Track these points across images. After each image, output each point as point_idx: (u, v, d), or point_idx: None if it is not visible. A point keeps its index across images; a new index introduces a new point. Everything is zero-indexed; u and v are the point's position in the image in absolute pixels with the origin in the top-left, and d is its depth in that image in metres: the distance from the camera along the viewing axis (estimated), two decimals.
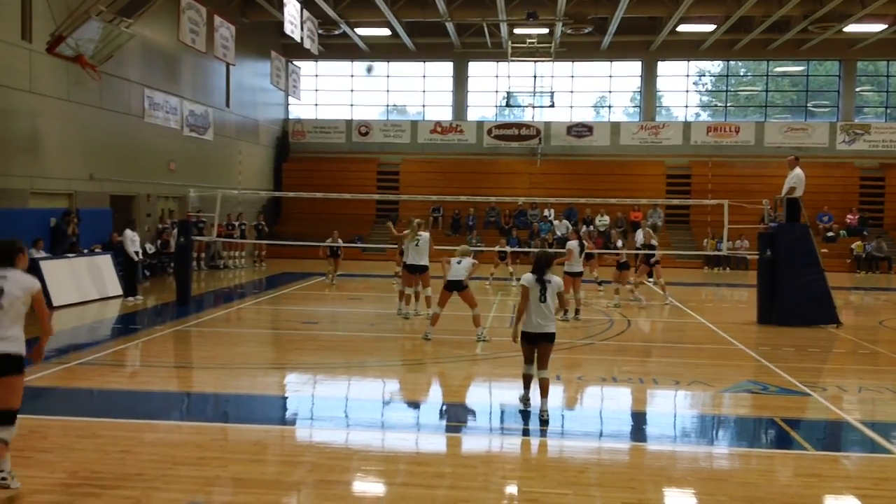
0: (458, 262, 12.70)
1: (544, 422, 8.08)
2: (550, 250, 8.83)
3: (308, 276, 23.63)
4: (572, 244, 15.61)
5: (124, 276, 17.62)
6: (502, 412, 9.06)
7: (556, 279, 8.35)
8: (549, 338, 8.32)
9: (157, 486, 6.07)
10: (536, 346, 8.33)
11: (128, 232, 17.27)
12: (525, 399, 8.63)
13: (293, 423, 8.61)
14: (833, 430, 8.46)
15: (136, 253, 17.33)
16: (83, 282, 17.05)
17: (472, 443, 7.74)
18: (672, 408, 9.49)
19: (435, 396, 9.83)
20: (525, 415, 8.51)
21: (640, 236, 23.39)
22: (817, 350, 13.02)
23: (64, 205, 19.26)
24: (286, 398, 9.61)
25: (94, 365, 10.79)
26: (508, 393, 9.95)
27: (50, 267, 16.26)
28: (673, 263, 27.85)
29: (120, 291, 17.86)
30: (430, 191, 29.56)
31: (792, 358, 11.96)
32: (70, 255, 17.56)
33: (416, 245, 14.69)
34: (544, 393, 8.26)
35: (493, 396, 9.82)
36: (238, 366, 10.84)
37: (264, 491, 6.03)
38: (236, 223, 26.97)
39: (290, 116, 35.82)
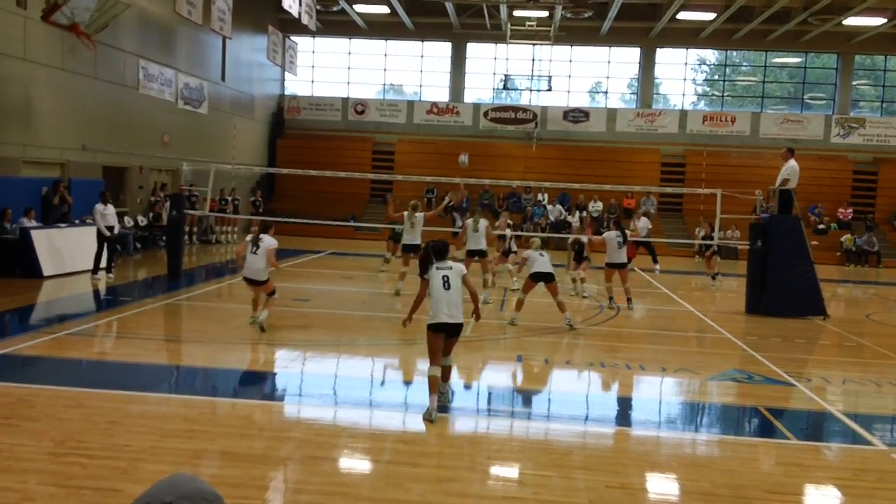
0: (542, 255, 12.70)
1: (444, 404, 7.85)
2: (443, 239, 8.33)
3: (300, 253, 23.62)
4: (609, 234, 15.54)
5: (96, 252, 16.24)
6: (489, 394, 9.13)
7: (457, 266, 7.93)
8: (454, 329, 7.78)
9: (144, 457, 6.10)
10: (442, 337, 7.78)
11: (98, 206, 16.22)
12: (431, 412, 7.52)
13: (282, 399, 8.66)
14: (816, 420, 8.55)
15: (111, 228, 16.28)
16: (74, 252, 16.96)
17: (458, 423, 7.79)
18: (658, 394, 9.57)
19: (422, 376, 9.86)
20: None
21: (644, 223, 23.31)
22: (804, 341, 13.12)
23: (56, 174, 19.16)
24: (275, 374, 9.65)
25: (83, 335, 10.80)
26: (496, 375, 10.02)
27: (40, 236, 16.19)
28: (664, 251, 27.92)
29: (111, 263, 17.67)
30: (425, 172, 29.48)
31: (778, 348, 12.05)
32: (61, 224, 17.49)
33: (476, 231, 15.33)
34: (446, 378, 8.01)
35: (481, 378, 9.87)
36: (228, 341, 10.86)
37: (251, 465, 6.07)
38: (229, 198, 26.91)
39: (286, 92, 35.64)
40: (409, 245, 15.74)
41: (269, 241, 11.40)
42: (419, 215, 15.56)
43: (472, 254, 15.40)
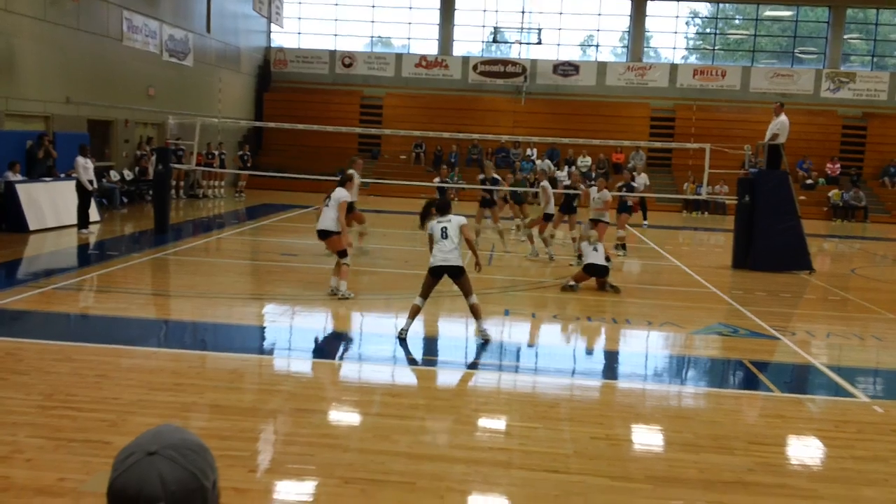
0: (595, 249, 12.25)
1: (486, 340, 8.82)
2: (443, 198, 9.73)
3: (288, 207, 23.52)
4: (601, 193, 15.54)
5: (80, 206, 16.25)
6: (477, 347, 9.19)
7: (455, 218, 8.79)
8: (455, 271, 8.69)
9: (132, 410, 6.13)
10: (440, 280, 8.81)
11: (79, 159, 16.05)
12: (405, 330, 8.75)
13: (270, 352, 8.69)
14: (799, 373, 8.67)
15: (91, 182, 16.22)
16: (59, 206, 16.83)
17: (446, 376, 7.86)
18: (643, 348, 9.66)
19: (411, 330, 9.91)
20: (402, 342, 8.68)
21: (643, 179, 23.30)
22: (789, 295, 13.23)
23: (40, 128, 18.92)
24: (264, 328, 9.68)
25: (71, 290, 10.77)
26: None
27: (25, 191, 16.05)
28: (652, 207, 27.98)
29: (97, 217, 17.56)
30: (413, 126, 29.29)
31: (763, 302, 12.15)
32: (46, 178, 17.32)
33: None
34: (478, 315, 8.84)
35: (469, 332, 9.92)
36: (216, 295, 10.86)
37: (241, 418, 6.11)
38: (216, 152, 26.67)
39: (273, 45, 35.14)
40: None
41: (340, 193, 11.16)
42: None
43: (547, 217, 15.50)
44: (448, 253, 8.61)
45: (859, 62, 34.51)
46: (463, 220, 8.84)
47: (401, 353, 8.50)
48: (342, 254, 10.98)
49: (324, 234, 11.14)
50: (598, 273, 12.15)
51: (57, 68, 19.41)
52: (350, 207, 14.09)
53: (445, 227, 8.69)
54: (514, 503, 4.95)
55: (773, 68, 33.73)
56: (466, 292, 8.79)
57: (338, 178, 11.71)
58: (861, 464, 5.82)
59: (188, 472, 1.50)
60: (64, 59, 19.63)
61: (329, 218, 11.06)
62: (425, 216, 9.10)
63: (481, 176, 16.46)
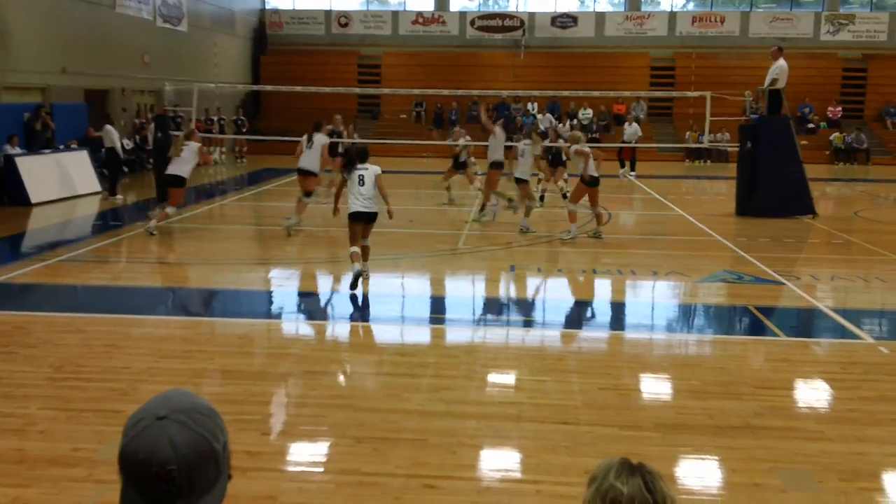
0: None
1: (362, 276, 9.05)
2: (363, 143, 10.03)
3: (289, 171, 23.38)
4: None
5: (109, 173, 17.25)
6: (484, 304, 9.22)
7: (373, 168, 9.17)
8: (369, 217, 9.23)
9: (143, 378, 6.18)
10: (360, 225, 9.22)
11: (109, 127, 16.87)
12: (355, 281, 8.99)
13: (279, 316, 8.74)
14: (805, 317, 8.69)
15: (113, 149, 16.88)
16: (61, 178, 16.82)
17: (454, 334, 7.89)
18: (649, 297, 9.69)
19: (418, 289, 9.96)
20: (354, 298, 8.86)
21: (633, 129, 23.22)
22: (793, 240, 13.21)
23: (37, 99, 18.81)
24: (271, 293, 9.72)
25: (77, 262, 10.79)
26: (491, 285, 10.11)
27: (26, 163, 16.01)
28: (654, 156, 27.85)
29: (98, 188, 17.56)
30: (412, 85, 29.02)
31: (768, 248, 12.14)
32: (46, 151, 17.27)
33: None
34: (366, 257, 9.34)
35: (475, 289, 9.96)
36: (222, 261, 10.89)
37: (251, 382, 6.16)
38: (215, 118, 26.51)
39: (267, 6, 34.69)
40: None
41: (322, 138, 13.06)
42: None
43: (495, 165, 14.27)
44: (366, 199, 9.09)
45: (858, 3, 33.98)
46: (378, 169, 9.21)
47: (408, 312, 8.53)
48: (308, 194, 12.85)
49: (304, 173, 12.89)
50: (595, 184, 12.43)
51: (51, 38, 19.23)
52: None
53: (363, 175, 9.09)
54: (526, 455, 5.01)
55: (772, 12, 33.24)
56: (367, 235, 9.40)
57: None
58: (868, 404, 5.86)
59: (198, 434, 1.51)
60: (58, 28, 19.44)
61: (311, 159, 12.80)
62: (349, 165, 9.25)
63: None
